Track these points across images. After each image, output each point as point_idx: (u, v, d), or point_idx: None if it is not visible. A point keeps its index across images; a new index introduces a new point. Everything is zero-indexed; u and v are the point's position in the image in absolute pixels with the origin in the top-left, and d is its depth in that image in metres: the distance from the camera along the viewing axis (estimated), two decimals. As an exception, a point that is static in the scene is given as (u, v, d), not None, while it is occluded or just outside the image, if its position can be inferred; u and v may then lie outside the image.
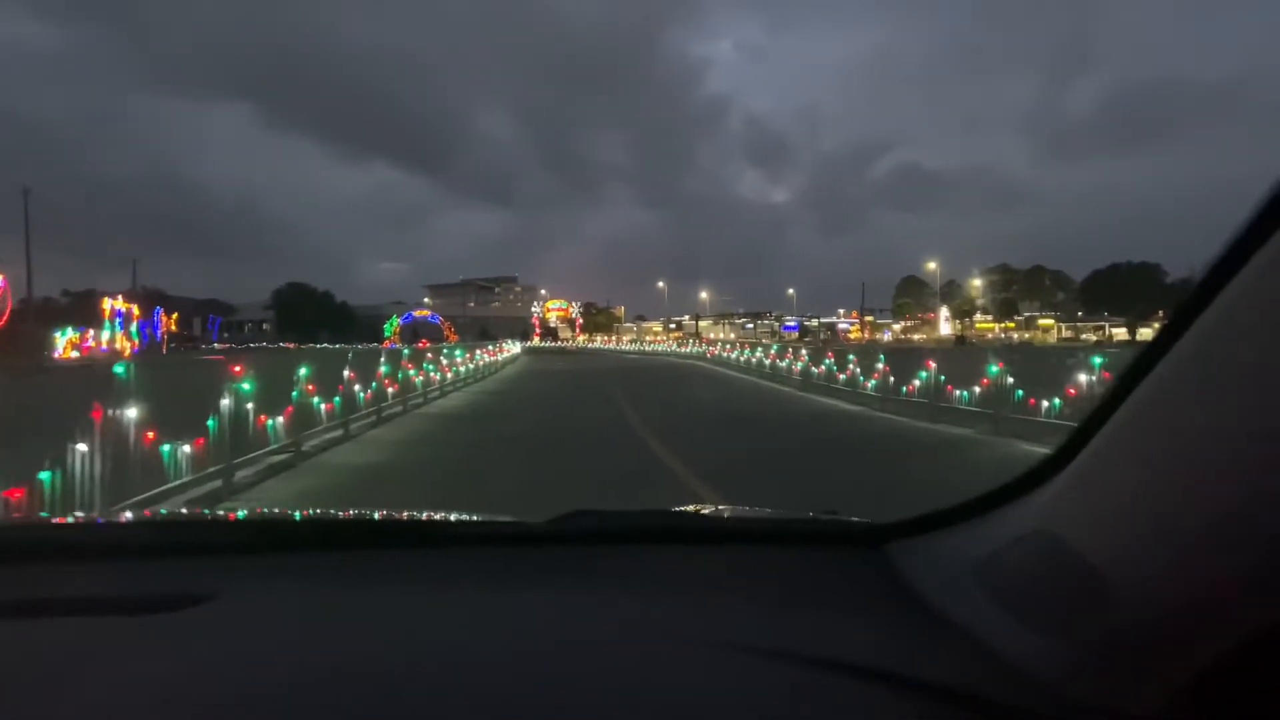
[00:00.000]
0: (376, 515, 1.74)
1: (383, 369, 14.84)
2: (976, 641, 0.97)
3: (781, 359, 24.95)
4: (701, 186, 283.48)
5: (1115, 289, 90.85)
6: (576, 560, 1.41)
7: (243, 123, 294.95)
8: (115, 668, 0.99)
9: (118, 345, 64.84)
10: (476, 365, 26.95)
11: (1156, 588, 0.76)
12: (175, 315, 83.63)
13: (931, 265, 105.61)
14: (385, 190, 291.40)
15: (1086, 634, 0.84)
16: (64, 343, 57.92)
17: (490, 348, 33.13)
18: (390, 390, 15.03)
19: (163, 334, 76.63)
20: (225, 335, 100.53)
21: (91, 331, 63.07)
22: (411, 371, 16.79)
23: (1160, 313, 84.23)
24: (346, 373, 13.08)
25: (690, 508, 1.74)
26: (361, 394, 13.43)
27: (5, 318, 45.58)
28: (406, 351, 15.08)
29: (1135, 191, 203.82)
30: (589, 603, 1.21)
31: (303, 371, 11.04)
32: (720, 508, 1.81)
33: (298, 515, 1.80)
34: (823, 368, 20.48)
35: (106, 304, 65.79)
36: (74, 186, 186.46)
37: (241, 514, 2.42)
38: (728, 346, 36.21)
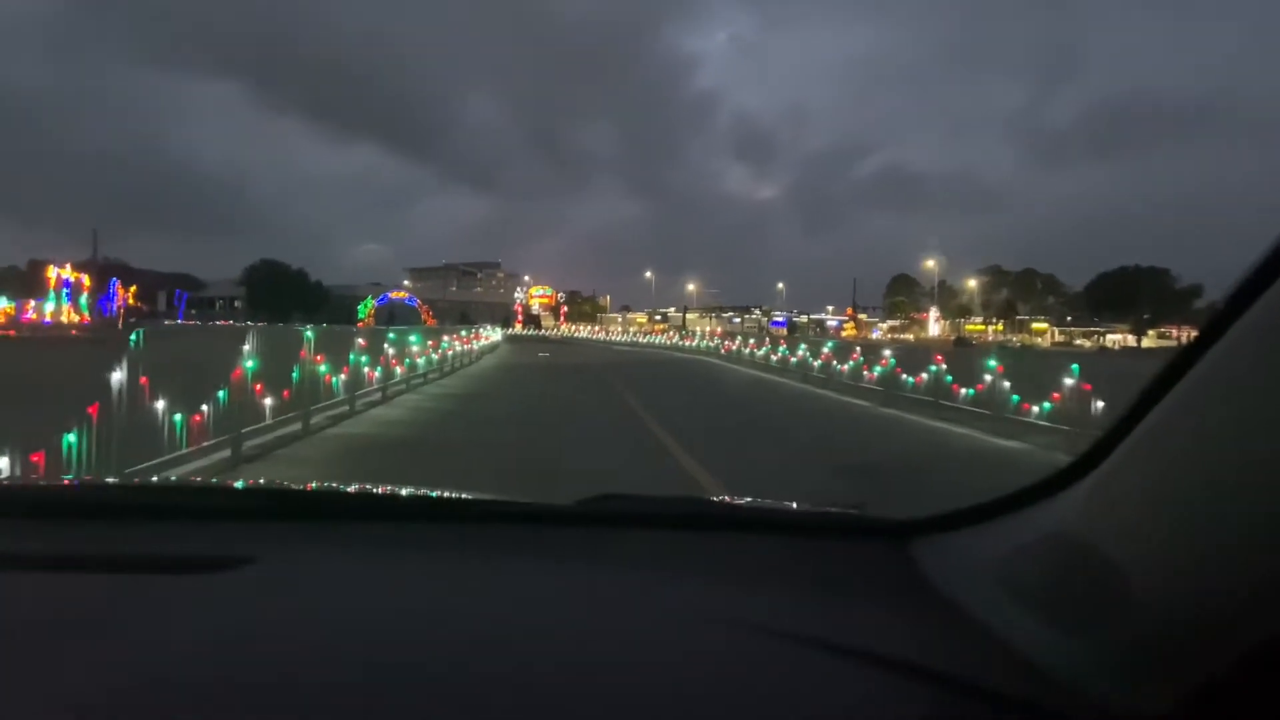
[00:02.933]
0: (411, 491, 1.62)
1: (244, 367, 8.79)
2: (998, 638, 0.95)
3: (840, 359, 19.17)
4: (689, 180, 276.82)
5: (1123, 292, 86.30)
6: (604, 541, 1.39)
7: (228, 100, 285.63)
8: (158, 623, 0.99)
9: (63, 318, 58.35)
10: (443, 355, 20.84)
11: (1181, 591, 0.74)
12: (134, 288, 76.77)
13: (930, 264, 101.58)
14: (370, 172, 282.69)
15: (1108, 634, 0.81)
16: (-3, 312, 51.39)
17: (464, 334, 26.76)
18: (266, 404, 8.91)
19: (118, 307, 69.97)
20: (193, 312, 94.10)
21: (32, 302, 56.78)
22: (322, 367, 10.67)
23: (1170, 318, 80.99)
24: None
25: (715, 497, 1.80)
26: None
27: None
28: (309, 334, 8.80)
29: (1120, 198, 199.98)
30: (615, 583, 1.19)
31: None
32: (747, 498, 1.72)
33: (335, 487, 1.76)
34: (921, 376, 14.83)
35: (52, 273, 59.19)
36: (50, 159, 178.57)
37: (279, 484, 2.19)
38: (751, 341, 30.15)
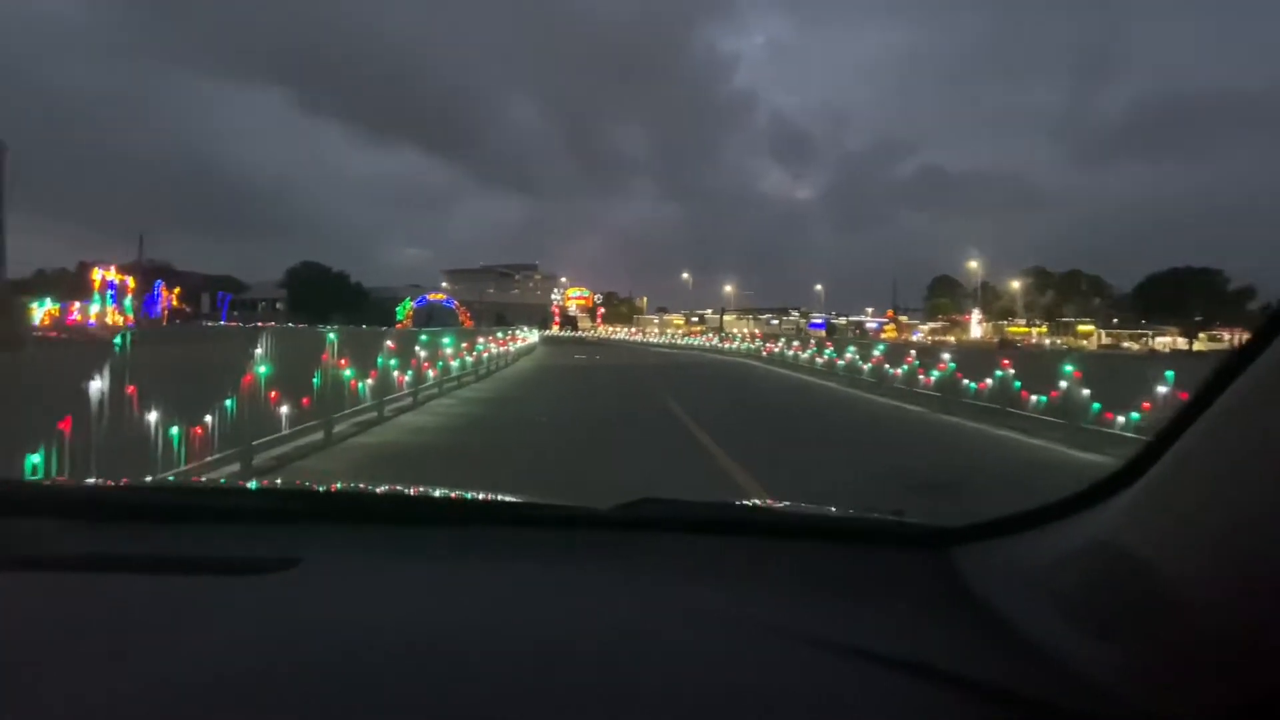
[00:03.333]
0: (451, 493, 1.63)
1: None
2: (1039, 647, 0.94)
3: (893, 362, 18.11)
4: (726, 181, 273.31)
5: (1174, 294, 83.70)
6: (642, 547, 1.39)
7: (272, 105, 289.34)
8: (203, 625, 0.99)
9: (108, 319, 58.79)
10: (478, 358, 20.11)
11: (1226, 602, 0.73)
12: (178, 290, 77.41)
13: (973, 264, 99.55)
14: (410, 175, 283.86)
15: (1152, 645, 0.81)
16: (41, 314, 51.75)
17: (500, 336, 26.04)
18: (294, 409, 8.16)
19: (162, 309, 70.52)
20: (235, 313, 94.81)
21: (77, 304, 57.23)
22: (347, 372, 9.89)
23: (1221, 320, 78.48)
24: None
25: (755, 501, 1.75)
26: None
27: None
28: (331, 336, 8.01)
29: (1168, 198, 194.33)
30: (653, 590, 1.19)
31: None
32: (786, 503, 1.75)
33: (377, 489, 1.74)
34: (986, 382, 13.80)
35: (97, 275, 59.68)
36: (99, 163, 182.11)
37: (325, 486, 1.98)
38: (794, 344, 29.05)
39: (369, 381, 10.85)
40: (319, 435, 9.07)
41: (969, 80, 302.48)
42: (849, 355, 21.45)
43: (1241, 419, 0.76)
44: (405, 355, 13.18)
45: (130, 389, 5.34)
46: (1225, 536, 0.74)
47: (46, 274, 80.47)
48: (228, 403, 6.67)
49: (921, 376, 16.60)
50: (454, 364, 17.08)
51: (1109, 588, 0.88)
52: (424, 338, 14.57)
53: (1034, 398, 12.43)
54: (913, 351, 17.85)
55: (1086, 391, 11.19)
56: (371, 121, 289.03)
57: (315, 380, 8.87)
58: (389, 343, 11.81)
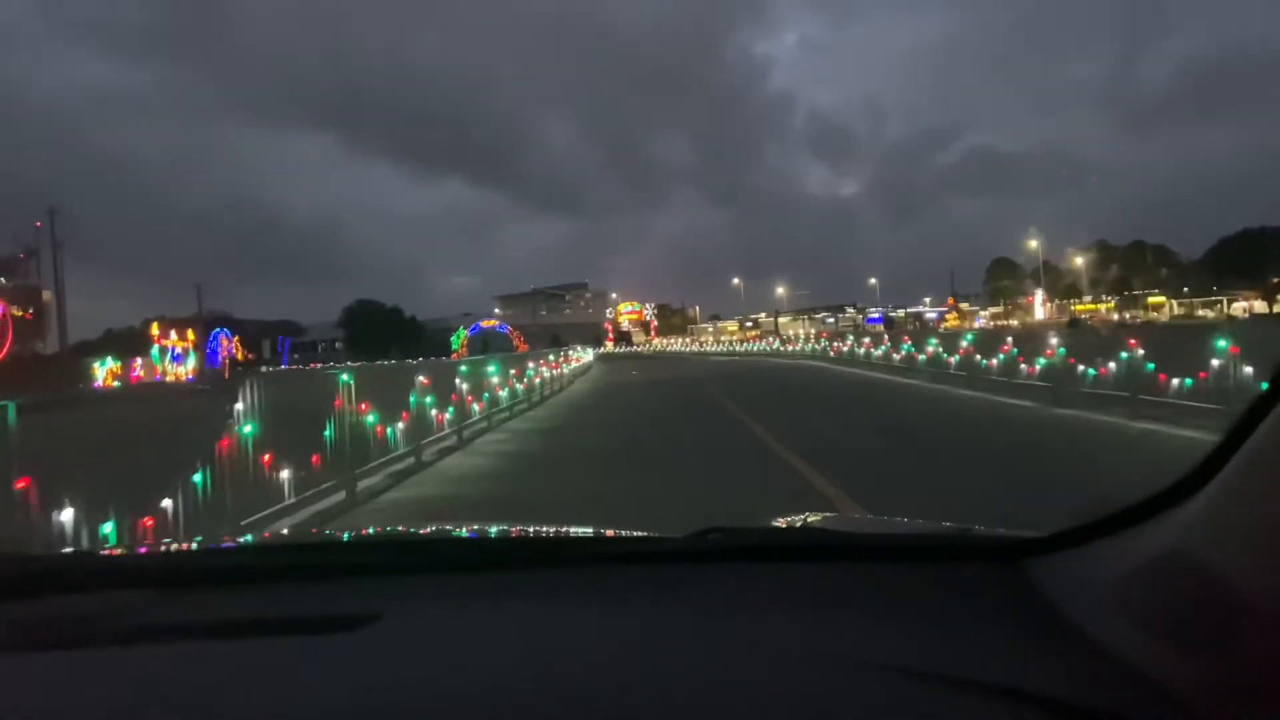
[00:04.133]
0: (522, 531, 1.69)
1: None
2: (1118, 662, 0.91)
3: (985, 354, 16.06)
4: (770, 183, 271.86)
5: (1248, 256, 79.16)
6: (710, 578, 1.35)
7: (321, 149, 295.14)
8: (289, 689, 0.99)
9: (168, 376, 58.93)
10: (529, 384, 18.55)
11: None
12: (237, 337, 77.85)
13: (1033, 244, 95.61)
14: (457, 206, 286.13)
15: (1231, 658, 0.78)
16: (104, 372, 51.90)
17: (551, 358, 24.50)
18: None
19: (223, 358, 70.84)
20: (295, 356, 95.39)
21: (139, 360, 57.45)
22: (370, 417, 8.32)
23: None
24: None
25: (818, 517, 1.71)
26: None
27: (4, 349, 39.27)
28: (345, 379, 6.38)
29: (1229, 158, 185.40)
30: (726, 622, 1.16)
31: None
32: (853, 517, 1.80)
33: (453, 532, 1.79)
34: (1108, 367, 11.80)
35: (155, 330, 59.93)
36: (160, 220, 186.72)
37: (398, 533, 2.13)
38: (865, 340, 26.94)
39: (399, 426, 9.30)
40: (340, 496, 7.55)
41: (1009, 58, 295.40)
42: (930, 348, 19.44)
43: None
44: (444, 389, 11.66)
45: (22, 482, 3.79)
46: None
47: (115, 333, 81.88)
48: (196, 477, 5.13)
49: (1024, 365, 14.64)
50: (502, 394, 15.55)
51: (1185, 597, 0.85)
52: (464, 368, 12.99)
53: (1175, 381, 10.46)
54: (1009, 339, 15.82)
55: (1249, 370, 9.22)
56: (417, 157, 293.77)
57: (328, 432, 7.32)
58: (421, 377, 10.25)
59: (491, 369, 14.85)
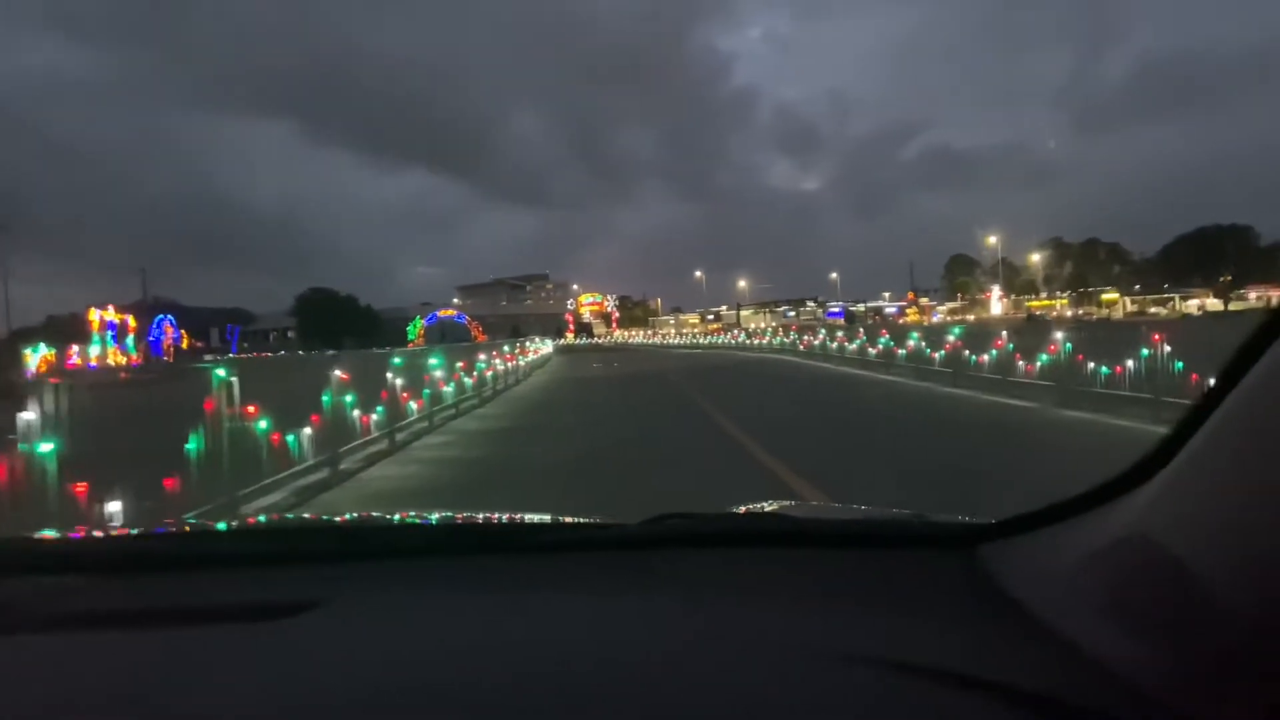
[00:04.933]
0: (475, 519, 1.61)
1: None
2: (1072, 648, 0.89)
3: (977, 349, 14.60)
4: (734, 177, 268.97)
5: (1201, 255, 79.58)
6: (665, 564, 1.32)
7: (276, 136, 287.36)
8: (226, 676, 0.96)
9: (109, 360, 56.00)
10: (479, 378, 16.73)
11: (1261, 597, 0.69)
12: (184, 329, 74.66)
13: (991, 240, 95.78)
14: (420, 196, 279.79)
15: (1188, 644, 0.76)
16: (37, 360, 48.90)
17: (507, 350, 22.61)
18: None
19: (165, 345, 67.76)
20: (245, 345, 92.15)
21: (75, 347, 54.44)
22: (260, 424, 6.51)
23: (1255, 278, 74.56)
24: None
25: (773, 505, 1.66)
26: None
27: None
28: (220, 374, 4.45)
29: (1181, 158, 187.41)
30: (676, 607, 1.15)
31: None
32: (812, 504, 1.73)
33: (402, 520, 1.69)
34: (1124, 366, 10.37)
35: (94, 316, 56.82)
36: (109, 206, 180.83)
37: (340, 518, 2.02)
38: (839, 334, 25.32)
39: (308, 430, 7.50)
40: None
41: (969, 56, 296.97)
42: (911, 343, 18.00)
43: (1268, 399, 0.71)
44: (374, 385, 9.87)
45: None
46: (1251, 527, 0.70)
47: (58, 320, 78.31)
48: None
49: (1021, 362, 13.23)
50: (447, 389, 13.74)
51: (1141, 584, 0.84)
52: (397, 360, 11.10)
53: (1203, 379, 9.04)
54: (1004, 333, 14.39)
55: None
56: (378, 146, 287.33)
57: (191, 445, 5.52)
58: (338, 372, 8.41)
59: (434, 361, 12.99)
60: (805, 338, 29.31)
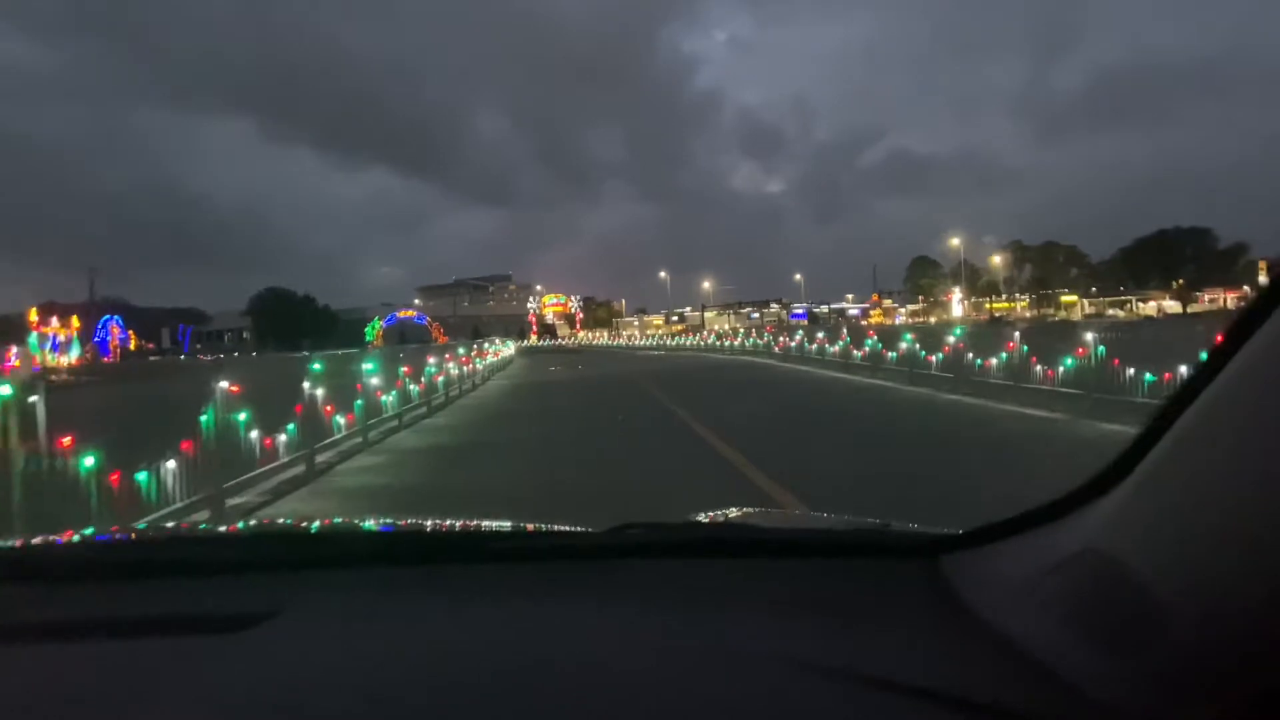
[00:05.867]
0: (434, 526, 1.52)
1: None
2: (1032, 660, 0.88)
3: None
4: (698, 179, 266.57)
5: (1163, 256, 79.62)
6: (626, 573, 1.29)
7: (235, 134, 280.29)
8: (176, 687, 0.92)
9: (49, 362, 52.97)
10: (429, 384, 14.80)
11: (1219, 608, 0.69)
12: (132, 329, 71.37)
13: (954, 242, 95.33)
14: (382, 196, 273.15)
15: (1146, 655, 0.76)
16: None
17: (462, 353, 20.62)
18: None
19: (113, 346, 64.58)
20: (198, 346, 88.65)
21: (14, 349, 51.50)
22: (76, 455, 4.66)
23: (1214, 280, 74.78)
24: None
25: (737, 513, 1.62)
26: None
27: None
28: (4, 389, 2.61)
29: (1138, 163, 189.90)
30: (639, 619, 1.12)
31: None
32: (775, 513, 1.62)
33: (361, 526, 1.64)
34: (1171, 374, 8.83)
35: (34, 317, 53.75)
36: (57, 202, 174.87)
37: (299, 526, 1.91)
38: (820, 336, 23.60)
39: (169, 466, 5.60)
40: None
41: (929, 63, 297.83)
42: (904, 345, 16.41)
43: (1226, 413, 0.71)
44: (288, 396, 7.98)
45: None
46: (1211, 539, 0.70)
47: (11, 319, 74.81)
48: None
49: (1039, 367, 11.67)
50: (388, 399, 11.84)
51: (1101, 595, 0.83)
52: (316, 366, 9.14)
53: None
54: (1016, 334, 12.82)
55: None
56: (339, 145, 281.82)
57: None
58: (227, 384, 6.50)
59: (370, 366, 11.03)
60: (781, 339, 27.62)
